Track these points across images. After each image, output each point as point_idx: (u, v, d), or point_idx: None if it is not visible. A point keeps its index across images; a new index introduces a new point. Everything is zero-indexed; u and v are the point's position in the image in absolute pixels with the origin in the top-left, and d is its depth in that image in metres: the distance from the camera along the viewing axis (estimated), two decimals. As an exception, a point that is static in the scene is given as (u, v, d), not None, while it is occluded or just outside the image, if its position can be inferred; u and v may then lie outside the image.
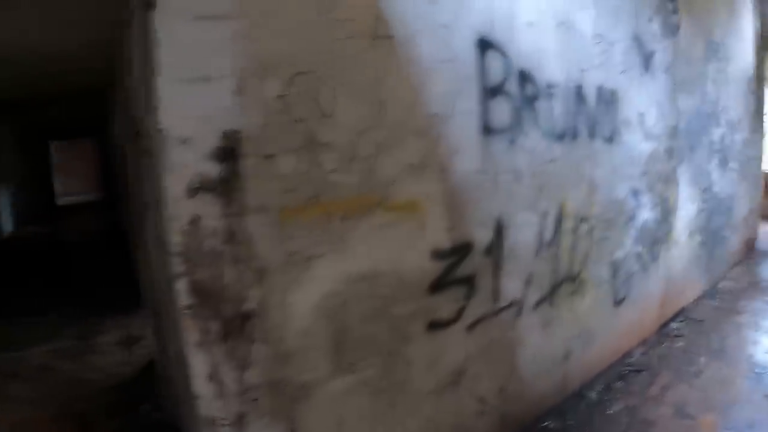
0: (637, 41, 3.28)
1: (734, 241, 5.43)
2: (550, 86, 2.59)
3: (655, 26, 3.48)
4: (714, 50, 4.49)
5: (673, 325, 4.20)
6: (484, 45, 2.26)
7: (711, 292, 4.89)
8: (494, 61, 2.31)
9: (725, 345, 3.87)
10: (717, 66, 4.54)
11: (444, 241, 2.19)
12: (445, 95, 2.12)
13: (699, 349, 3.80)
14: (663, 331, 4.06)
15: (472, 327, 2.35)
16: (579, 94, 2.76)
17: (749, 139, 5.50)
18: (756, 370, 3.47)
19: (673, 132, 3.69)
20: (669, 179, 3.68)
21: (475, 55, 2.22)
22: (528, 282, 2.63)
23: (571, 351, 2.99)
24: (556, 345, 2.90)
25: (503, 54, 2.34)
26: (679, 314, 4.33)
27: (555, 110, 2.62)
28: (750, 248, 6.16)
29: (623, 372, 3.51)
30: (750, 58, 5.69)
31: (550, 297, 2.77)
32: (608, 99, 2.97)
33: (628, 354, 3.67)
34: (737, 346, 3.84)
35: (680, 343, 3.92)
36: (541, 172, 2.59)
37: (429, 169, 2.09)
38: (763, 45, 6.16)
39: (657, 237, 3.62)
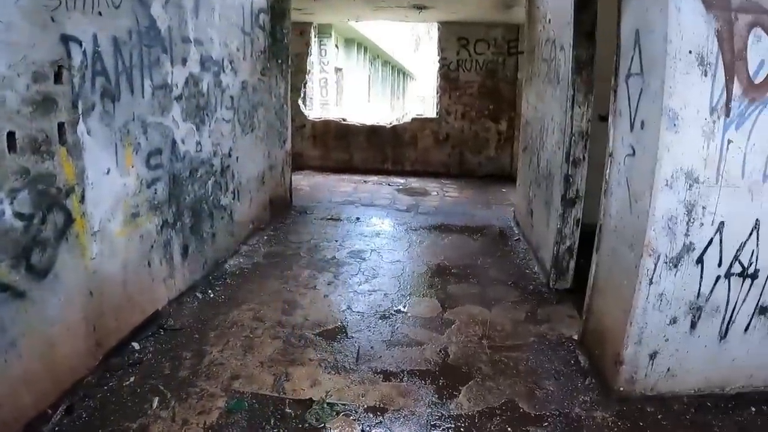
0: None
1: (245, 207, 4.64)
2: None
3: None
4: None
5: (135, 345, 3.00)
6: None
7: (207, 281, 3.90)
8: None
9: (200, 367, 2.80)
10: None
11: None
12: None
13: (158, 383, 2.66)
14: (113, 361, 2.80)
15: None
16: None
17: (257, 84, 4.70)
18: (234, 407, 2.48)
19: (54, 71, 2.25)
20: (82, 144, 2.28)
21: None
22: None
23: None
24: None
25: None
26: (147, 326, 3.15)
27: None
28: (281, 208, 5.61)
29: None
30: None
31: None
32: None
33: (41, 419, 2.26)
34: (220, 367, 2.82)
35: (133, 378, 2.72)
36: None
37: None
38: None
39: (37, 240, 2.21)
